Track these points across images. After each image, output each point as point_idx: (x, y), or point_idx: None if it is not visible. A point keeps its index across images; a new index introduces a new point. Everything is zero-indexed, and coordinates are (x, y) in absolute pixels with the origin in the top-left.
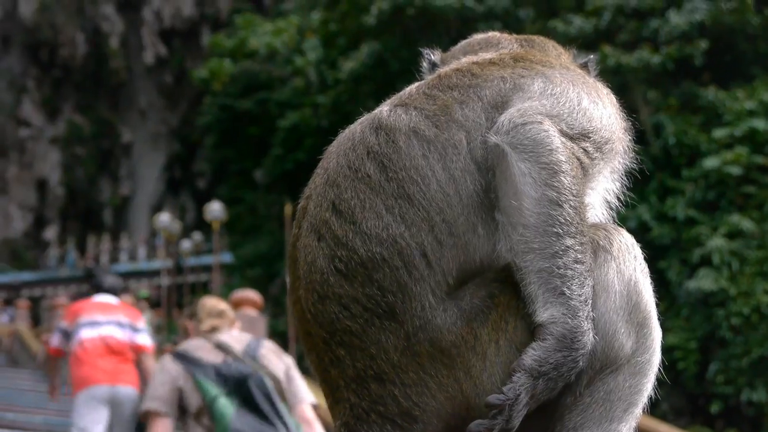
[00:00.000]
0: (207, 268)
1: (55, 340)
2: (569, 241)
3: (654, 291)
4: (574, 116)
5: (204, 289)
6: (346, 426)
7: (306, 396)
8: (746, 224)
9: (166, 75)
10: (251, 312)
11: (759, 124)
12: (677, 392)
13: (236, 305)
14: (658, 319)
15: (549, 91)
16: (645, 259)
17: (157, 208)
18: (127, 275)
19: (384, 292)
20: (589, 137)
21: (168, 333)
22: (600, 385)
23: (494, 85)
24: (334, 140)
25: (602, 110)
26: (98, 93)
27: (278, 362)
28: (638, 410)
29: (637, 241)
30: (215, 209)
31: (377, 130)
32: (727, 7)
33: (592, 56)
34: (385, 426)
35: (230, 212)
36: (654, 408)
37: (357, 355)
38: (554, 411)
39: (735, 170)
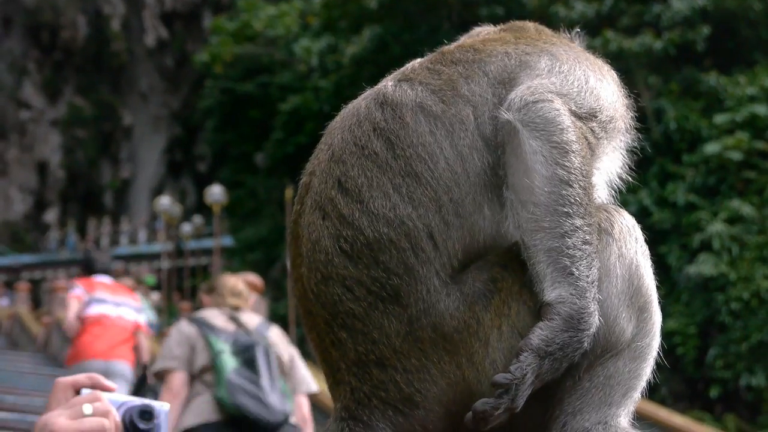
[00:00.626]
0: (207, 252)
1: (83, 309)
2: (578, 222)
3: (654, 276)
4: (582, 95)
5: (204, 272)
6: (347, 410)
7: (308, 385)
8: (746, 209)
9: (167, 58)
10: (252, 295)
11: (760, 109)
12: (676, 377)
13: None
14: (659, 303)
15: (557, 69)
16: (645, 242)
17: (157, 191)
18: (127, 258)
19: (389, 274)
20: (596, 116)
21: (168, 316)
22: (600, 369)
23: (498, 60)
24: (336, 116)
25: (607, 88)
26: (99, 75)
27: (285, 347)
28: (637, 394)
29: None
30: (216, 192)
31: (383, 106)
32: None
33: (577, 30)
34: (387, 411)
35: (231, 196)
36: (653, 392)
37: (359, 338)
38: (554, 394)
39: (736, 155)
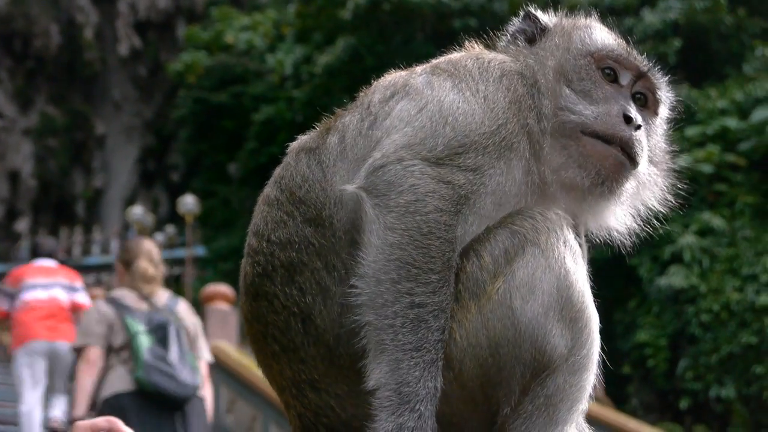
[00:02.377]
0: (180, 262)
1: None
2: (406, 285)
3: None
4: (437, 133)
5: (176, 282)
6: None
7: (205, 354)
8: (717, 222)
9: (140, 67)
10: (223, 306)
11: (731, 122)
12: (647, 388)
13: (208, 300)
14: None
15: (408, 112)
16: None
17: (130, 201)
18: (99, 268)
19: (304, 294)
20: (462, 151)
21: None
22: (539, 390)
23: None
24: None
25: (476, 107)
26: (72, 85)
27: (191, 319)
28: (583, 405)
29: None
30: (189, 202)
31: (285, 159)
32: (701, 7)
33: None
34: None
35: (204, 206)
36: (624, 404)
37: (290, 355)
38: (494, 422)
39: (706, 168)
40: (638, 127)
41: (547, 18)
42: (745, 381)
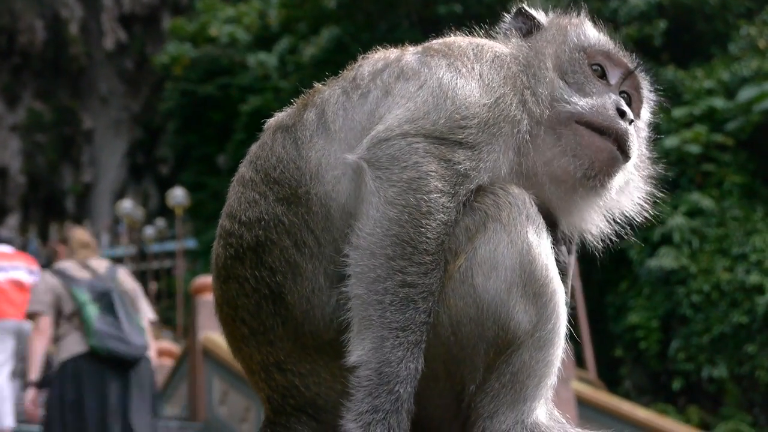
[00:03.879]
0: (171, 255)
1: None
2: (400, 263)
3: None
4: (439, 108)
5: (168, 275)
6: (268, 419)
7: (147, 313)
8: (706, 202)
9: (126, 61)
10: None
11: (717, 102)
12: (639, 370)
13: (199, 291)
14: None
15: (408, 89)
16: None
17: (119, 195)
18: None
19: (274, 273)
20: (464, 124)
21: None
22: (505, 367)
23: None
24: None
25: (473, 83)
26: (58, 80)
27: (130, 284)
28: (552, 380)
29: None
30: (178, 195)
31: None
32: None
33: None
34: (301, 417)
35: (193, 198)
36: (616, 386)
37: (259, 338)
38: (461, 400)
39: (694, 149)
40: (631, 121)
41: (540, 15)
42: (737, 360)
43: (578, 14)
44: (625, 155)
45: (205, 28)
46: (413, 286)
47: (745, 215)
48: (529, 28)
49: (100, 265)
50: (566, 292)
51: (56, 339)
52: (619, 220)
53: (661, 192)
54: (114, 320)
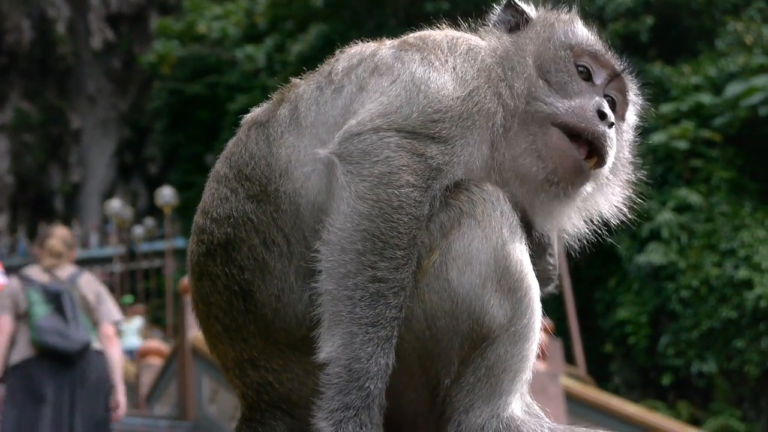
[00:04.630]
0: (160, 254)
1: None
2: (371, 258)
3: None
4: (413, 104)
5: (157, 274)
6: (244, 416)
7: (110, 315)
8: (694, 198)
9: (114, 60)
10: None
11: (704, 98)
12: (629, 366)
13: (187, 290)
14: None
15: (386, 84)
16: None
17: (108, 195)
18: (79, 262)
19: (243, 270)
20: (437, 118)
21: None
22: (480, 361)
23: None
24: None
25: (446, 76)
26: (46, 80)
27: (92, 288)
28: (527, 375)
29: None
30: (167, 194)
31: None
32: None
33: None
34: (275, 413)
35: (182, 197)
36: (606, 382)
37: (233, 335)
38: (436, 394)
39: (682, 144)
40: (611, 124)
41: (529, 9)
42: (726, 355)
43: (569, 11)
44: (601, 158)
45: (192, 26)
46: (384, 281)
47: (733, 211)
48: (517, 21)
49: (65, 270)
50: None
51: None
52: (596, 221)
53: (646, 190)
54: (60, 319)
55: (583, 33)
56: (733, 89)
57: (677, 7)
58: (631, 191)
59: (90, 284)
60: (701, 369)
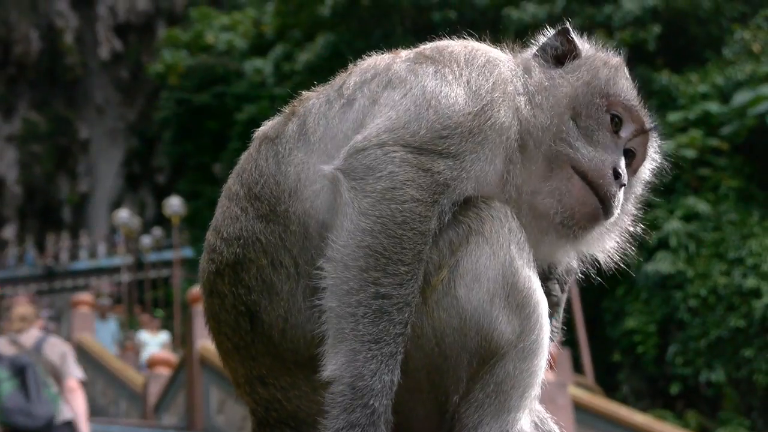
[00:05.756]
0: (168, 264)
1: None
2: (373, 275)
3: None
4: (421, 119)
5: (165, 284)
6: (253, 431)
7: (72, 372)
8: (702, 206)
9: (122, 70)
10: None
11: (712, 107)
12: (637, 375)
13: (196, 301)
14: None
15: (397, 97)
16: (584, 274)
17: (116, 205)
18: (87, 272)
19: (251, 291)
20: (445, 134)
21: (129, 328)
22: (489, 377)
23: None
24: None
25: (459, 90)
26: (54, 90)
27: (56, 350)
28: (536, 391)
29: None
30: (175, 204)
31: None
32: None
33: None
34: (284, 429)
35: (190, 207)
36: (614, 391)
37: (243, 353)
38: (445, 411)
39: (690, 153)
40: (623, 185)
41: (581, 43)
42: (735, 365)
43: (619, 54)
44: (606, 215)
45: (200, 36)
46: (387, 297)
47: (741, 219)
48: (564, 51)
49: (30, 337)
50: (557, 327)
51: None
52: (587, 261)
53: (653, 197)
54: (24, 395)
55: (624, 84)
56: (740, 98)
57: (684, 16)
58: (625, 242)
59: (55, 347)
60: (710, 378)
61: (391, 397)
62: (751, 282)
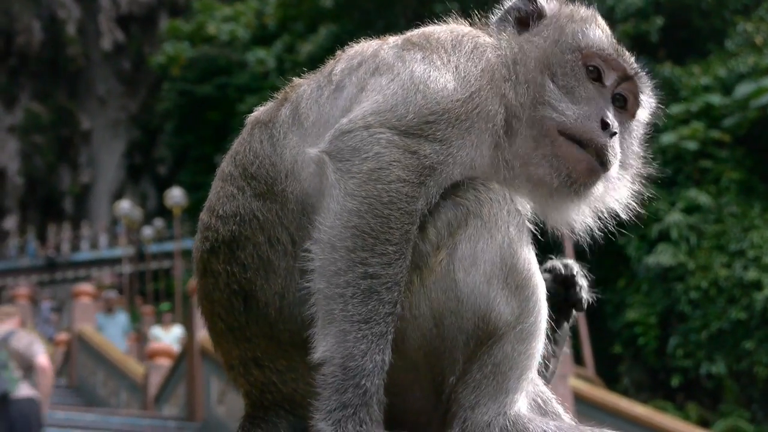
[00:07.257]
0: (169, 255)
1: None
2: (361, 255)
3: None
4: (409, 103)
5: (166, 275)
6: (247, 414)
7: (37, 352)
8: (703, 199)
9: (124, 61)
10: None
11: (714, 99)
12: (638, 367)
13: (195, 291)
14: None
15: (384, 82)
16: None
17: (117, 196)
18: (88, 263)
19: (246, 269)
20: (432, 119)
21: (131, 320)
22: (487, 358)
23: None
24: None
25: (447, 76)
26: (56, 80)
27: (23, 340)
28: (533, 373)
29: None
30: (176, 195)
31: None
32: None
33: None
34: (279, 412)
35: (191, 198)
36: (615, 383)
37: (237, 334)
38: (441, 391)
39: (691, 145)
40: (614, 134)
41: (545, 2)
42: (735, 357)
43: (586, 6)
44: (604, 167)
45: (202, 27)
46: (376, 277)
47: (742, 211)
48: (529, 12)
49: (2, 331)
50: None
51: None
52: (605, 217)
53: (655, 189)
54: None
55: (594, 35)
56: (742, 90)
57: (687, 8)
58: (640, 185)
59: (22, 338)
60: (710, 370)
61: (383, 377)
62: (752, 274)
